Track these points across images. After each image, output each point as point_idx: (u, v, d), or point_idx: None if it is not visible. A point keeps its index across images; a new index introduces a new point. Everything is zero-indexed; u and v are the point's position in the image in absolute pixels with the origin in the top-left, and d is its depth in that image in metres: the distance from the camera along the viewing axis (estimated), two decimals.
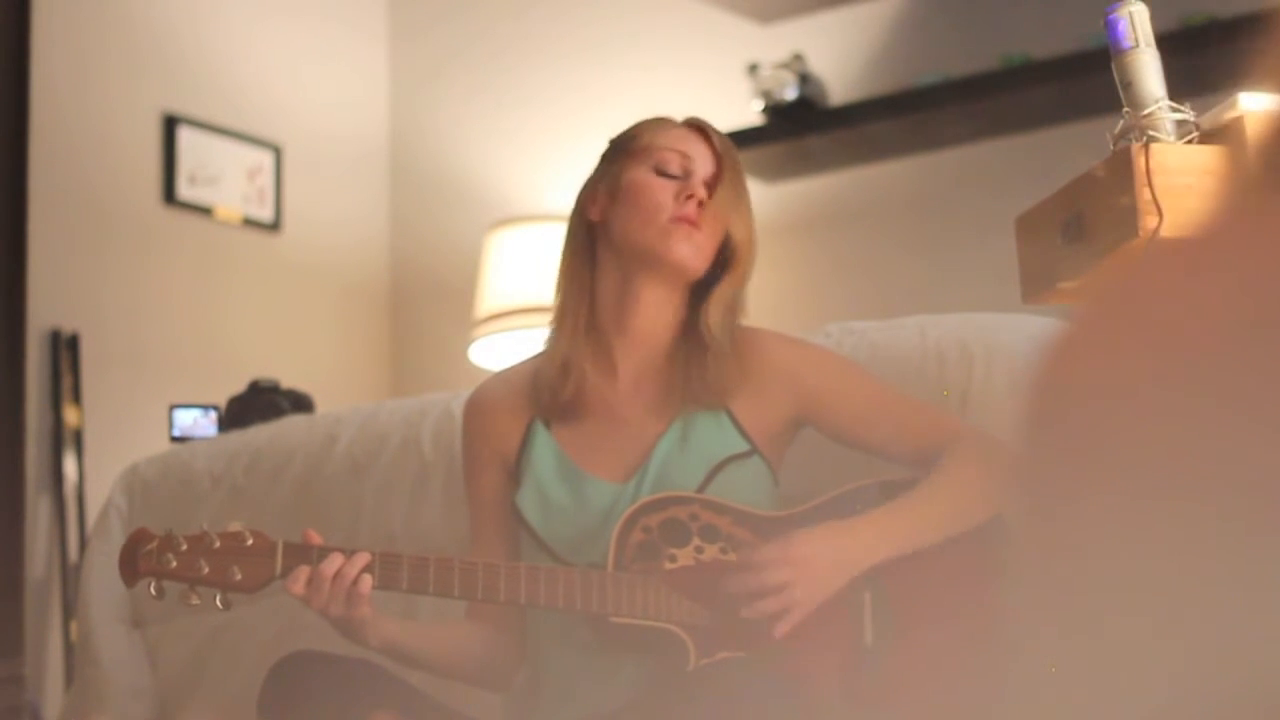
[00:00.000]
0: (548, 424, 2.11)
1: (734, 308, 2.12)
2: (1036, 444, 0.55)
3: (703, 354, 2.07)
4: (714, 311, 2.09)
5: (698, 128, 2.14)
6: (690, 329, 2.10)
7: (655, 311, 2.09)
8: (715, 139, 2.13)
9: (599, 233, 2.12)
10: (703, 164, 2.10)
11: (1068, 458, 0.53)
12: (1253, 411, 0.49)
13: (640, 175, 2.10)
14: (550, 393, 2.09)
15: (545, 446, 2.09)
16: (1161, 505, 0.50)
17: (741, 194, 2.12)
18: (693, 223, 2.05)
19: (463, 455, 2.19)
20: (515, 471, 2.10)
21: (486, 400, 2.17)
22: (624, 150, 2.14)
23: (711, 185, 2.09)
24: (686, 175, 2.09)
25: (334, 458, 2.66)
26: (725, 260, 2.11)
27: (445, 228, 4.60)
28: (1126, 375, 0.51)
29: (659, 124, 2.15)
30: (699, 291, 2.11)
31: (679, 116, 2.17)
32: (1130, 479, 0.51)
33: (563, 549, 2.02)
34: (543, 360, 2.12)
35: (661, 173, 2.09)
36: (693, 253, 2.05)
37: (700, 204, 2.06)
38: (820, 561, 1.90)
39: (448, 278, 4.49)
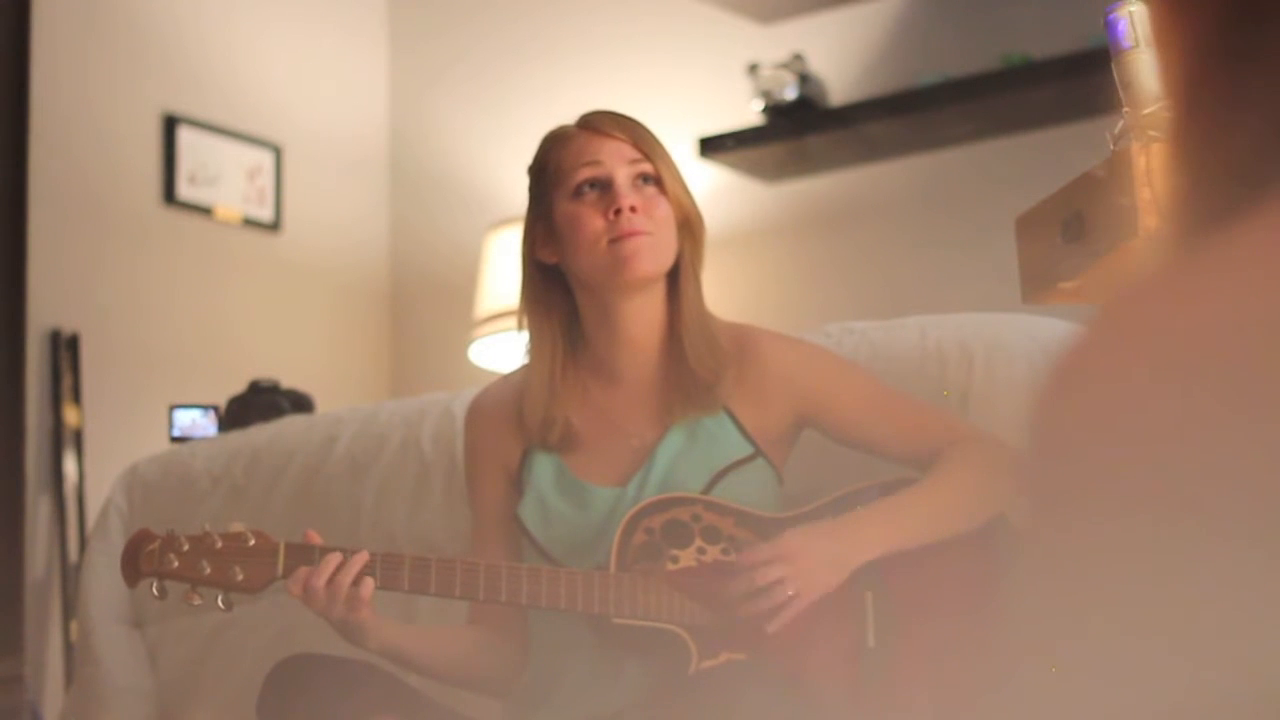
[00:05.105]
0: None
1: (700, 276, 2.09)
2: (1046, 463, 0.55)
3: (687, 339, 2.05)
4: (687, 290, 2.07)
5: (592, 127, 2.09)
6: (674, 316, 2.08)
7: (643, 316, 2.07)
8: (614, 128, 2.07)
9: (562, 270, 2.09)
10: (616, 161, 2.05)
11: (1078, 477, 0.53)
12: (1264, 429, 0.49)
13: (565, 207, 2.05)
14: (539, 437, 2.08)
15: (546, 460, 2.09)
16: (1172, 523, 0.50)
17: (665, 163, 2.08)
18: (634, 233, 2.01)
19: (465, 464, 2.19)
20: (518, 482, 2.10)
21: (488, 412, 2.15)
22: (542, 182, 2.09)
23: (637, 174, 2.05)
24: (607, 184, 2.04)
25: (334, 458, 2.66)
26: (681, 231, 2.08)
27: (445, 228, 4.60)
28: (1135, 393, 0.51)
29: (560, 141, 2.09)
30: (674, 272, 2.09)
31: (574, 119, 2.11)
32: (1141, 498, 0.51)
33: (564, 556, 2.02)
34: (525, 396, 2.09)
35: (582, 194, 2.05)
36: (648, 259, 2.02)
37: (633, 208, 2.02)
38: (813, 557, 1.89)
39: (448, 278, 4.49)
